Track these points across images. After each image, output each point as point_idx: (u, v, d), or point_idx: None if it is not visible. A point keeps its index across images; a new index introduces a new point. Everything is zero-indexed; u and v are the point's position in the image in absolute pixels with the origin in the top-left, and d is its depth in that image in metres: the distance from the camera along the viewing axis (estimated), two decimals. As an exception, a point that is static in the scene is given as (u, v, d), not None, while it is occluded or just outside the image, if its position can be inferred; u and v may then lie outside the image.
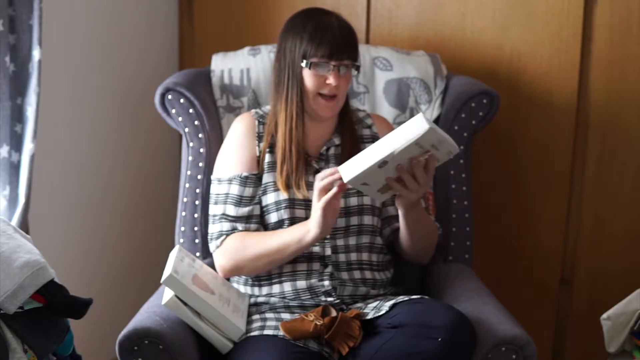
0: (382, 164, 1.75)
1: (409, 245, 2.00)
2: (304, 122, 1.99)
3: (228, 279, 2.07)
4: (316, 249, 1.95)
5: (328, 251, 1.96)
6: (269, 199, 1.98)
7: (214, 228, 2.00)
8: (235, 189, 1.99)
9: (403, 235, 1.98)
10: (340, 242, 1.97)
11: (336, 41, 1.92)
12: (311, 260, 1.95)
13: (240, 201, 1.98)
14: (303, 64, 1.93)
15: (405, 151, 1.74)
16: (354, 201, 1.98)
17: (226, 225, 1.97)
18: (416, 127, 1.72)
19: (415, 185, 1.78)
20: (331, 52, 1.92)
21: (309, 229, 1.87)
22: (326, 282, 1.93)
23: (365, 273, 1.98)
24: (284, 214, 1.96)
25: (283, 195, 1.96)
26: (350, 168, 1.76)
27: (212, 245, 2.00)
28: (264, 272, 1.97)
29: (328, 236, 1.95)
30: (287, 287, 1.95)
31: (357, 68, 1.98)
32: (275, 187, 1.97)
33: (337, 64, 1.93)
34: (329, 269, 1.94)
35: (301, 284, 1.94)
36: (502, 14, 2.46)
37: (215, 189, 2.03)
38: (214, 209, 2.01)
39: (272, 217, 1.97)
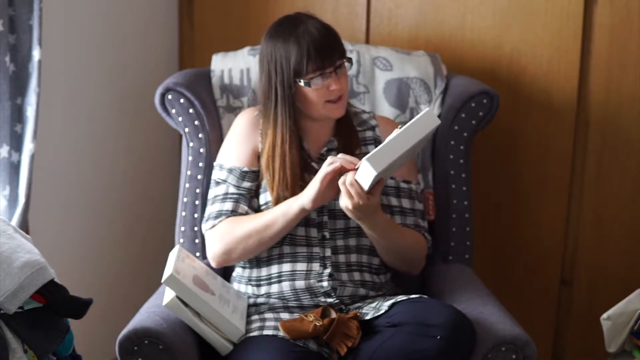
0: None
1: (383, 256, 2.00)
2: (298, 136, 1.97)
3: (228, 280, 2.07)
4: (316, 249, 1.95)
5: (328, 252, 1.95)
6: (263, 198, 1.98)
7: (213, 208, 1.99)
8: (233, 180, 1.99)
9: (376, 246, 1.97)
10: (340, 242, 1.97)
11: (323, 48, 1.90)
12: (311, 260, 1.95)
13: (238, 189, 1.98)
14: (302, 83, 1.90)
15: (415, 146, 1.74)
16: None
17: (228, 205, 1.97)
18: (429, 121, 1.74)
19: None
20: (323, 61, 1.90)
21: (297, 199, 1.87)
22: (325, 283, 1.92)
23: (365, 275, 1.98)
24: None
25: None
26: (378, 159, 1.71)
27: (206, 225, 1.98)
28: (254, 254, 1.96)
29: (328, 236, 1.95)
30: (286, 287, 1.94)
31: (350, 60, 1.96)
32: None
33: (333, 68, 1.92)
34: (328, 270, 1.94)
35: (300, 284, 1.93)
36: (502, 14, 2.46)
37: (216, 174, 2.03)
38: (215, 191, 2.01)
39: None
